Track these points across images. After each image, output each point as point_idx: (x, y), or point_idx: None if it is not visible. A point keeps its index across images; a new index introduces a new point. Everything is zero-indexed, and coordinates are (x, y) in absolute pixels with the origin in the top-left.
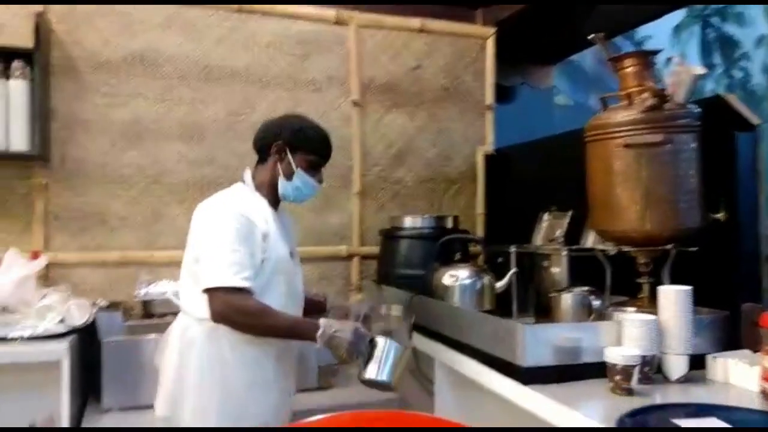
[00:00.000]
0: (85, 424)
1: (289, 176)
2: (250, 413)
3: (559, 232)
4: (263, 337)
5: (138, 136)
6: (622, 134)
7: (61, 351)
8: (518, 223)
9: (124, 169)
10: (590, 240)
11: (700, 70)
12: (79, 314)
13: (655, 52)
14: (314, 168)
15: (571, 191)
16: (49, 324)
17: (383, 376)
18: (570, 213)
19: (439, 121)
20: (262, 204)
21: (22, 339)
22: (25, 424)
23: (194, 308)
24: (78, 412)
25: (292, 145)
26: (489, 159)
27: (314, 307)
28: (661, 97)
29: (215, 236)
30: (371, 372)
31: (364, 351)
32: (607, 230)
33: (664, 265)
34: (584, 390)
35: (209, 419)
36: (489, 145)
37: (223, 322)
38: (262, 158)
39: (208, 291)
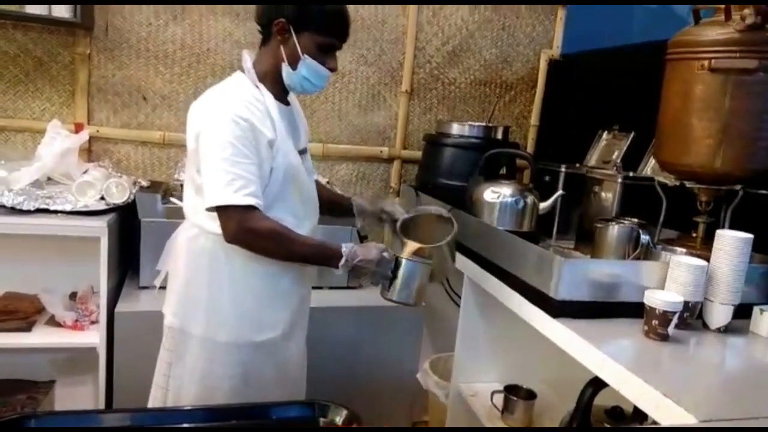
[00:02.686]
0: (123, 299)
1: (294, 63)
2: (265, 324)
3: (616, 155)
4: (279, 260)
5: (183, 8)
6: (709, 55)
7: (100, 228)
8: (573, 140)
9: (168, 44)
10: (649, 168)
11: None
12: (118, 193)
13: None
14: (325, 51)
15: (637, 111)
16: (89, 200)
17: (404, 298)
18: (632, 135)
19: (503, 17)
20: (267, 99)
21: (63, 213)
22: (67, 293)
23: (201, 220)
24: (116, 287)
25: (297, 23)
26: (553, 65)
27: (338, 208)
28: (766, 15)
29: (215, 147)
30: (393, 293)
31: (389, 274)
32: (672, 162)
33: (726, 206)
34: (616, 329)
35: (222, 335)
36: (555, 49)
37: (238, 245)
38: (265, 39)
39: (217, 210)
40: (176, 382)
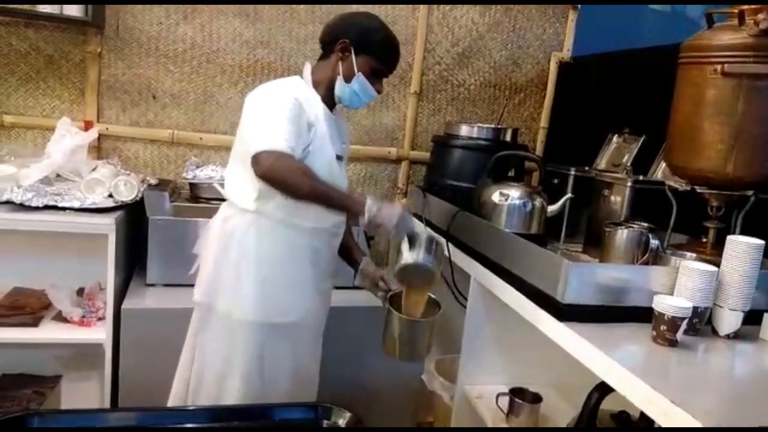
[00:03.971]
0: (130, 296)
1: (348, 78)
2: (286, 309)
3: (626, 158)
4: (307, 200)
5: (194, 8)
6: (722, 59)
7: (108, 225)
8: (583, 143)
9: (178, 43)
10: (660, 172)
11: None
12: (126, 190)
13: None
14: (376, 75)
15: (648, 114)
16: (98, 198)
17: (423, 259)
18: (642, 138)
19: (514, 20)
20: (315, 99)
21: (71, 210)
22: (74, 289)
23: (238, 196)
24: (123, 284)
25: (359, 46)
26: (563, 67)
27: (348, 254)
28: None
29: (265, 108)
30: (410, 257)
31: (404, 235)
32: (683, 166)
33: (737, 212)
34: (624, 334)
35: (244, 312)
36: (566, 52)
37: (269, 178)
38: (326, 54)
39: (257, 154)
40: (200, 354)
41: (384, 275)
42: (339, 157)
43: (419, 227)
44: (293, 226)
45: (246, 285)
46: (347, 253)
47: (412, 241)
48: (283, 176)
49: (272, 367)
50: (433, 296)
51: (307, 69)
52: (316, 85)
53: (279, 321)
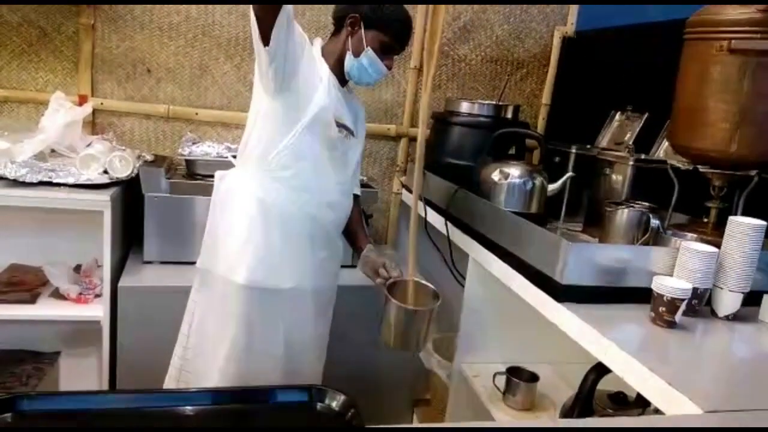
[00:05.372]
0: (126, 273)
1: (357, 53)
2: (278, 273)
3: (628, 136)
4: None
5: None
6: (728, 35)
7: (103, 202)
8: (585, 120)
9: (173, 16)
10: (662, 151)
11: None
12: (122, 167)
13: None
14: (386, 51)
15: (652, 91)
16: (92, 174)
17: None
18: (645, 116)
19: None
20: (324, 66)
21: (66, 186)
22: (71, 266)
23: (243, 150)
24: (120, 262)
25: (369, 20)
26: (566, 42)
27: (353, 238)
28: None
29: None
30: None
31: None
32: (686, 145)
33: (740, 192)
34: (622, 315)
35: (238, 277)
36: (570, 26)
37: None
38: (337, 30)
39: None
40: (199, 314)
41: (385, 263)
42: (347, 129)
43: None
44: (292, 187)
45: (239, 248)
46: (353, 237)
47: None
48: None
49: (263, 332)
50: (432, 287)
51: (317, 44)
52: (325, 58)
53: (271, 285)
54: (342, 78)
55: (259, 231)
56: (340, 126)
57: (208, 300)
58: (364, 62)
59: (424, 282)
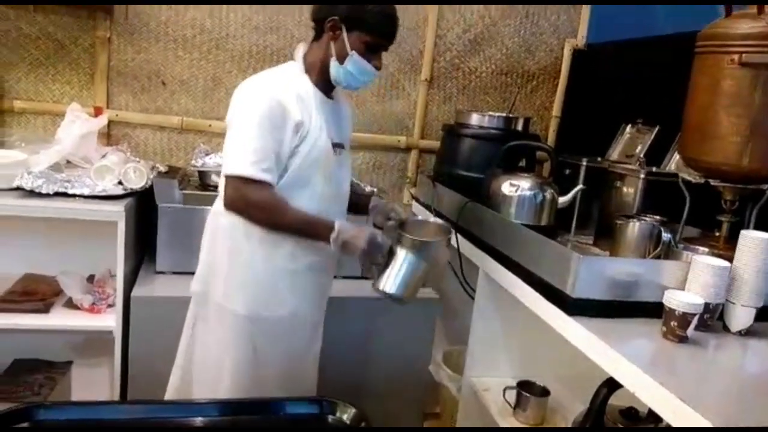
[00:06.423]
0: (139, 283)
1: (341, 59)
2: (276, 301)
3: (639, 149)
4: (274, 231)
5: None
6: (740, 49)
7: (118, 213)
8: (596, 133)
9: (187, 29)
10: (673, 164)
11: None
12: (136, 177)
13: None
14: (372, 51)
15: (663, 104)
16: (107, 185)
17: (392, 289)
18: (656, 129)
19: (527, 6)
20: (307, 88)
21: (81, 197)
22: (85, 276)
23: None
24: (133, 272)
25: (349, 21)
26: (577, 55)
27: (359, 202)
28: None
29: (243, 120)
30: (381, 283)
31: (380, 260)
32: (697, 158)
33: (752, 206)
34: (633, 329)
35: (235, 305)
36: (580, 39)
37: (234, 212)
38: (318, 34)
39: (226, 177)
40: (196, 345)
41: (395, 206)
42: (338, 145)
43: (425, 214)
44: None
45: (238, 276)
46: (356, 204)
47: (386, 265)
48: (247, 213)
49: (264, 360)
50: (442, 222)
51: (300, 51)
52: (309, 69)
53: (270, 315)
54: (329, 85)
55: (259, 262)
56: (334, 146)
57: (207, 331)
58: (350, 67)
59: (433, 219)
